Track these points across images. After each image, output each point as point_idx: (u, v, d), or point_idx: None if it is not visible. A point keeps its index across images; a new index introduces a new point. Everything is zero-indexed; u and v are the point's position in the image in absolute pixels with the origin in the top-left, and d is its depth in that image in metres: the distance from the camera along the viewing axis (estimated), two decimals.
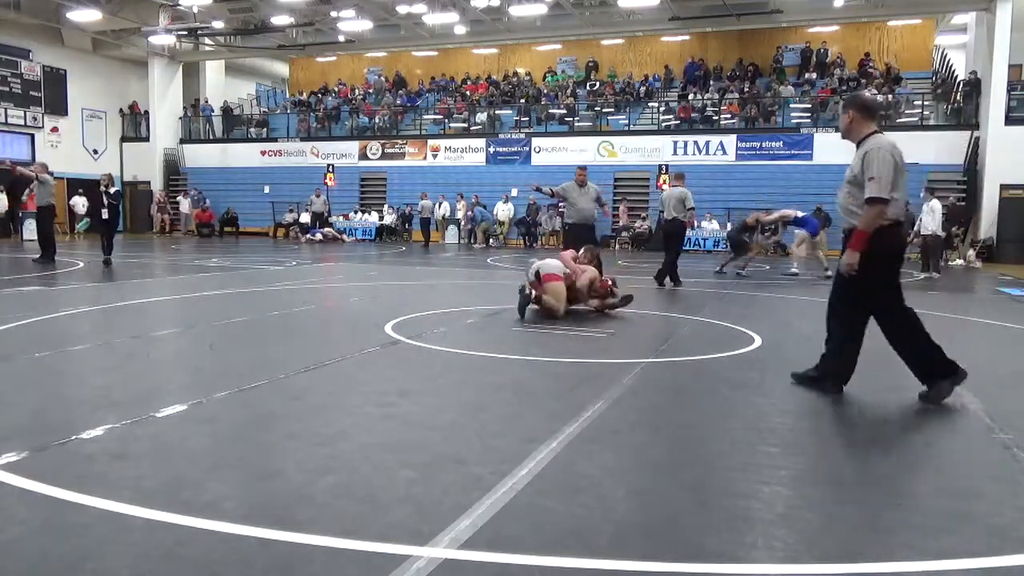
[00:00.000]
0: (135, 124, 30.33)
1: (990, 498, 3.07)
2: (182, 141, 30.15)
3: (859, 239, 4.44)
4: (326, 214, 25.19)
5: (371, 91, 30.89)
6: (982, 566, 2.41)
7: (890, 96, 23.06)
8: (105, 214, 14.10)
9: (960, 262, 18.15)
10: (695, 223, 14.44)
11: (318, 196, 24.94)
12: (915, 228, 14.07)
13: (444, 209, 24.65)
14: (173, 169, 29.91)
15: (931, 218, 13.84)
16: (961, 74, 23.39)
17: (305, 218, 25.86)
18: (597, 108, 26.17)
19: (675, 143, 23.92)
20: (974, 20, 23.37)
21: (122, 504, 2.72)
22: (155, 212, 29.34)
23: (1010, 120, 20.02)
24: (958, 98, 22.19)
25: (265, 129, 29.92)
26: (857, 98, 4.92)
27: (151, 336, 6.63)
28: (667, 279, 11.45)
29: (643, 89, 26.86)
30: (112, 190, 14.32)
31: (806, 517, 2.83)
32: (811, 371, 4.95)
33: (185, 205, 27.83)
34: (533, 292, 7.77)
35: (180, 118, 30.22)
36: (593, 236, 10.38)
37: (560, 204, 23.84)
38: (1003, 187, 19.75)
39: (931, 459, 3.66)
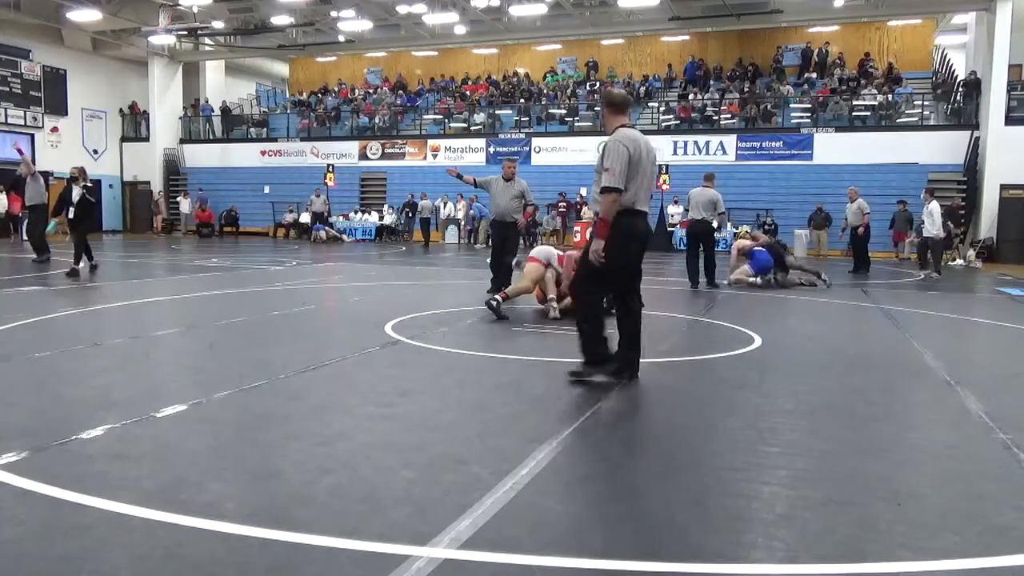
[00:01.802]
0: (135, 124, 30.33)
1: (990, 498, 3.07)
2: (182, 141, 30.16)
3: (602, 227, 4.71)
4: (326, 214, 25.20)
5: (371, 92, 30.87)
6: (982, 566, 2.41)
7: (890, 96, 23.07)
8: (71, 213, 11.64)
9: (960, 262, 18.15)
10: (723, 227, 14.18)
11: (318, 196, 24.96)
12: (914, 229, 14.09)
13: (449, 209, 24.65)
14: (173, 169, 29.92)
15: (931, 221, 13.78)
16: (961, 74, 23.40)
17: (305, 218, 25.87)
18: (597, 108, 26.15)
19: (675, 143, 23.93)
20: (974, 20, 23.38)
21: (122, 504, 2.72)
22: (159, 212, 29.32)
23: (1010, 120, 20.02)
24: (958, 98, 22.19)
25: (265, 129, 29.94)
26: (606, 95, 5.20)
27: (151, 336, 6.63)
28: (712, 276, 11.24)
29: (643, 89, 26.85)
30: (83, 185, 11.96)
31: (805, 517, 2.83)
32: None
33: (185, 205, 27.82)
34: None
35: (180, 118, 30.23)
36: (514, 234, 9.66)
37: (560, 204, 23.91)
38: (1003, 187, 19.75)
39: (930, 459, 3.66)
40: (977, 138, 20.67)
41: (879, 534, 2.69)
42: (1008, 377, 5.68)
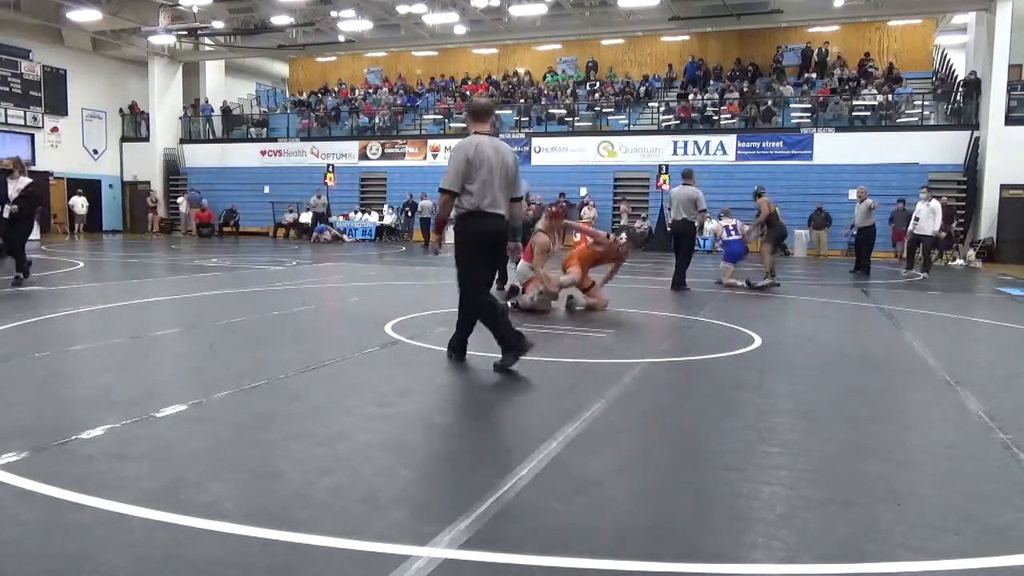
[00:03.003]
0: (135, 124, 30.34)
1: (990, 498, 3.07)
2: (182, 141, 30.16)
3: (436, 223, 5.53)
4: (327, 214, 25.19)
5: (372, 92, 30.86)
6: (982, 566, 2.41)
7: (890, 96, 23.07)
8: (6, 212, 9.78)
9: (960, 262, 18.15)
10: (705, 226, 13.76)
11: (319, 197, 24.95)
12: (908, 227, 13.98)
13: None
14: (173, 169, 29.92)
15: (931, 219, 13.66)
16: (961, 74, 23.39)
17: (305, 218, 25.85)
18: (597, 108, 26.17)
19: (675, 143, 23.92)
20: (974, 20, 23.37)
21: (122, 504, 2.72)
22: (172, 212, 29.21)
23: (1010, 120, 20.01)
24: (958, 98, 22.18)
25: (265, 129, 29.93)
26: (468, 104, 5.60)
27: (151, 336, 6.63)
28: (678, 283, 11.01)
29: (643, 89, 26.85)
30: (22, 181, 9.95)
31: (806, 517, 2.83)
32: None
33: (184, 205, 27.82)
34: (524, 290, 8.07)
35: (180, 118, 30.23)
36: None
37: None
38: (1003, 187, 19.75)
39: (930, 459, 3.66)
40: (977, 138, 20.66)
41: (879, 534, 2.69)
42: (1008, 377, 5.68)
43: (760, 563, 2.44)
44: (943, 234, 14.44)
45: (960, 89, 22.22)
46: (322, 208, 24.94)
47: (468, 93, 28.92)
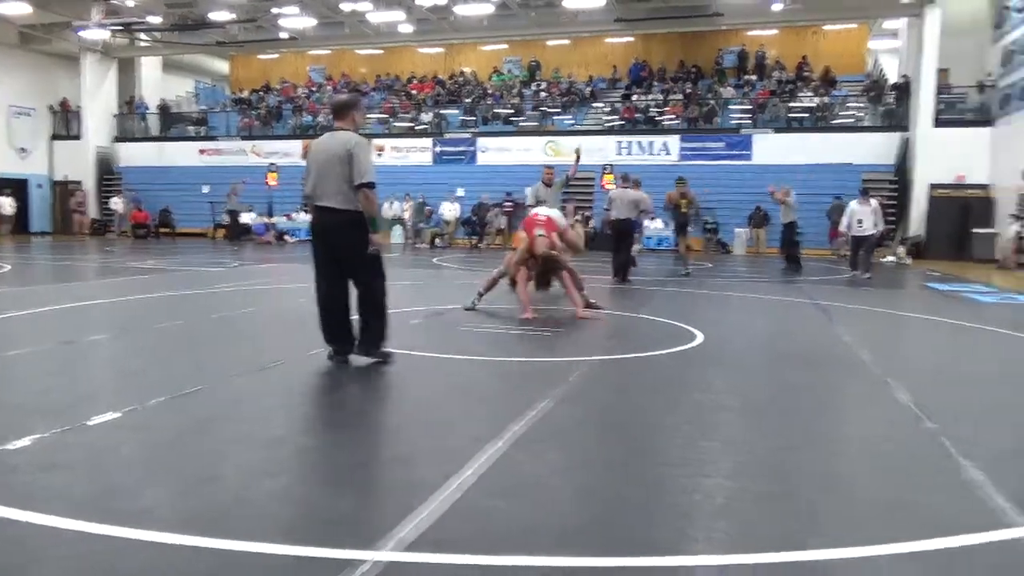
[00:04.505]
0: (66, 122, 29.24)
1: (920, 485, 3.19)
2: (116, 139, 29.20)
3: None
4: (245, 212, 24.47)
5: (315, 90, 30.39)
6: (912, 550, 2.50)
7: (825, 98, 23.76)
8: None
9: (892, 259, 18.80)
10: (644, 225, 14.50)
11: (236, 194, 24.15)
12: (846, 226, 14.01)
13: (395, 208, 24.38)
14: (107, 168, 28.93)
15: (872, 218, 13.67)
16: (893, 78, 24.25)
17: (246, 218, 25.21)
18: (543, 108, 26.29)
19: (619, 143, 24.18)
20: (905, 26, 24.26)
21: (51, 516, 2.61)
22: (106, 212, 28.16)
23: (939, 122, 20.82)
24: (890, 101, 22.99)
25: (204, 127, 29.18)
26: (331, 101, 5.63)
27: (83, 341, 6.40)
28: (623, 275, 11.88)
29: (588, 90, 27.10)
30: None
31: (746, 509, 2.89)
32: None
33: (119, 205, 26.93)
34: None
35: (114, 116, 29.26)
36: None
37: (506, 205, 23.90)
38: (932, 186, 20.53)
39: (864, 450, 3.78)
40: (908, 139, 21.45)
41: (815, 523, 2.77)
42: (936, 370, 5.91)
43: (701, 554, 2.49)
44: (884, 232, 14.72)
45: (891, 92, 23.03)
46: (237, 206, 24.23)
47: (414, 92, 28.75)
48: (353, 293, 5.28)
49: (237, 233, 24.74)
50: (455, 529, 2.59)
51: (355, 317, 5.29)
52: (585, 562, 2.39)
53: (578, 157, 11.48)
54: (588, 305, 8.10)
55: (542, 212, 8.20)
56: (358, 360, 5.32)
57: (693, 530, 2.70)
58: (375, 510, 2.79)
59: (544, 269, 8.01)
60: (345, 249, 5.15)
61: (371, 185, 5.11)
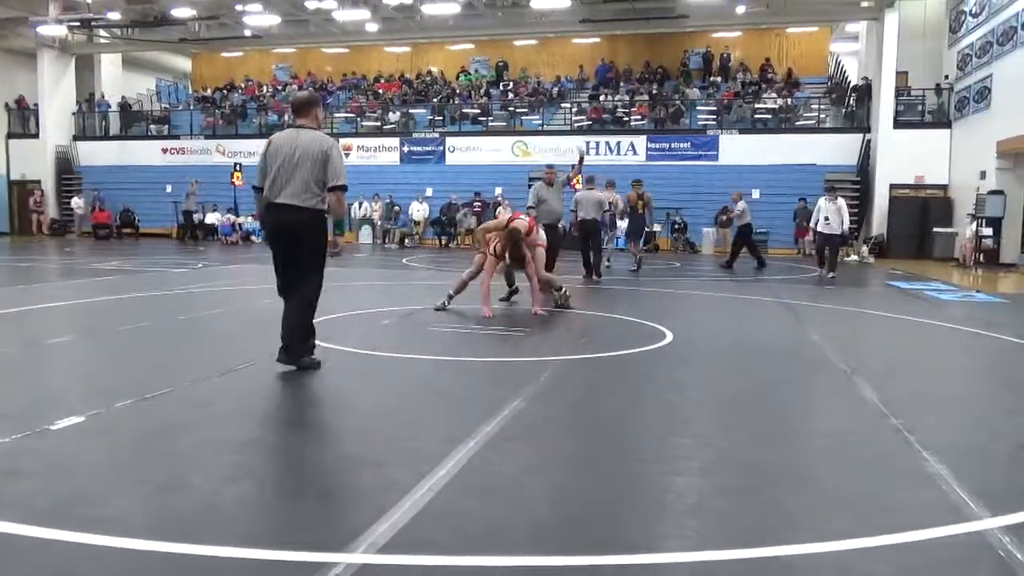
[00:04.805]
0: (23, 119, 28.52)
1: (885, 479, 3.25)
2: (76, 138, 28.55)
3: (260, 220, 5.34)
4: (198, 211, 24.10)
5: (280, 89, 30.03)
6: (880, 544, 2.55)
7: (789, 100, 24.13)
8: None
9: (855, 258, 19.16)
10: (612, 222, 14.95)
11: (193, 194, 23.77)
12: (814, 222, 14.02)
13: (365, 208, 24.21)
14: (66, 167, 28.28)
15: (838, 218, 13.70)
16: (854, 80, 24.71)
17: (211, 218, 24.86)
18: (511, 108, 26.30)
19: (587, 143, 24.24)
20: (865, 29, 24.73)
21: (12, 524, 2.55)
22: (66, 212, 27.47)
23: (898, 124, 21.27)
24: (851, 102, 23.42)
25: (166, 126, 28.66)
26: (292, 98, 5.72)
27: (45, 344, 6.25)
28: (595, 272, 12.25)
29: (555, 90, 27.17)
30: None
31: (717, 506, 2.93)
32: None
33: (79, 205, 26.34)
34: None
35: (73, 114, 28.62)
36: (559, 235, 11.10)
37: (475, 204, 23.88)
38: (892, 187, 20.97)
39: (831, 446, 3.85)
40: (869, 140, 21.87)
41: (783, 519, 2.81)
42: (899, 366, 6.04)
43: (673, 552, 2.51)
44: (851, 231, 14.84)
45: (852, 94, 23.47)
46: (195, 206, 23.84)
47: (381, 92, 28.56)
48: None
49: (190, 233, 24.17)
50: (428, 530, 2.58)
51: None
52: (559, 561, 2.40)
53: (581, 158, 12.15)
54: (560, 305, 8.32)
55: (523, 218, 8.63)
56: (329, 361, 5.27)
57: (666, 528, 2.72)
58: (347, 513, 2.77)
59: (511, 259, 8.13)
60: (303, 247, 5.08)
61: (345, 188, 5.11)
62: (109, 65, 29.95)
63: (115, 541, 2.44)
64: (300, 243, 5.06)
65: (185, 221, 23.94)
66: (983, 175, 18.07)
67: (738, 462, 3.47)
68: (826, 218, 13.61)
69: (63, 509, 2.70)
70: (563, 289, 8.50)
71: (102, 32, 27.39)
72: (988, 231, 17.03)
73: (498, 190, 24.19)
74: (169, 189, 26.66)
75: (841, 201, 13.99)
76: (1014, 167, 17.02)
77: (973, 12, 19.48)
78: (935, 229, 19.52)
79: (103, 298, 9.27)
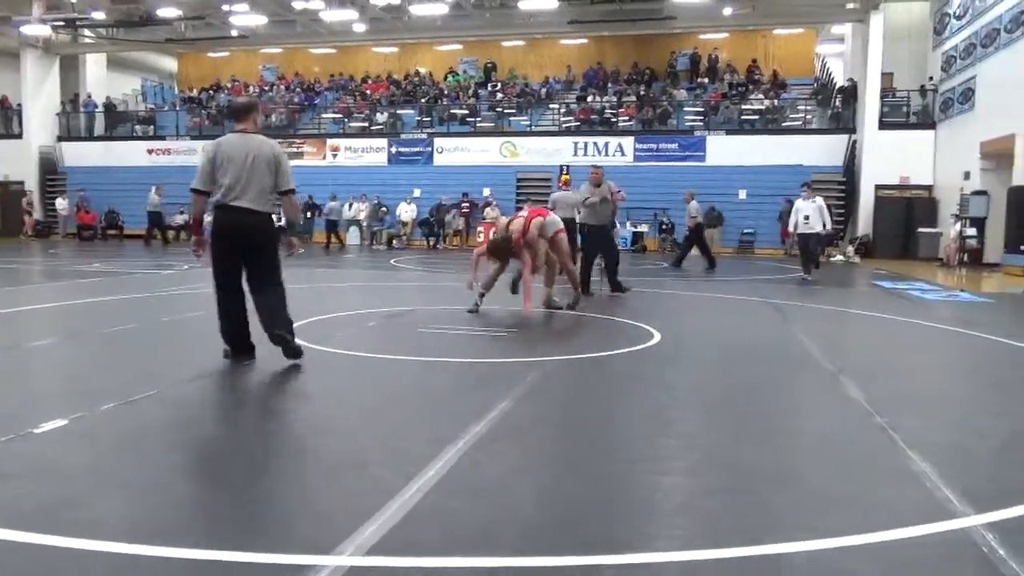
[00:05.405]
0: (6, 120, 28.27)
1: (871, 478, 3.27)
2: (60, 139, 28.32)
3: (193, 225, 5.54)
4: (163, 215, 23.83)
5: (267, 89, 29.92)
6: (865, 542, 2.56)
7: (775, 101, 24.27)
8: None
9: (840, 258, 19.29)
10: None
11: (159, 195, 23.46)
12: (792, 226, 13.84)
13: (355, 210, 24.08)
14: (50, 168, 28.04)
15: (818, 216, 13.56)
16: (839, 81, 24.89)
17: (182, 220, 24.46)
18: (499, 109, 26.31)
19: (575, 144, 24.32)
20: (851, 31, 24.90)
21: None
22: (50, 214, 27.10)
23: (883, 125, 21.45)
24: (837, 104, 23.58)
25: (152, 127, 28.48)
26: (230, 104, 5.72)
27: (29, 347, 6.20)
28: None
29: (544, 91, 27.21)
30: None
31: (704, 505, 2.94)
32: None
33: (63, 206, 26.08)
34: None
35: (58, 114, 28.38)
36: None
37: (463, 206, 23.86)
38: (878, 187, 21.14)
39: (817, 445, 3.87)
40: (854, 141, 22.03)
41: (772, 518, 2.82)
42: (884, 365, 6.08)
43: (661, 551, 2.51)
44: (833, 230, 14.75)
45: (838, 95, 23.63)
46: (159, 207, 23.49)
47: (368, 92, 28.50)
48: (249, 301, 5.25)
49: (160, 234, 23.74)
50: (416, 532, 2.58)
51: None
52: (547, 562, 2.40)
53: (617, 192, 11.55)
54: (550, 305, 8.34)
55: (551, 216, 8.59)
56: (315, 362, 5.24)
57: (653, 527, 2.73)
58: (335, 514, 2.76)
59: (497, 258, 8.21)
60: (261, 250, 5.19)
61: (295, 191, 5.32)
62: (94, 65, 29.73)
63: (100, 544, 2.42)
64: (255, 244, 5.18)
65: (150, 222, 23.51)
66: (967, 176, 18.24)
67: (725, 461, 3.49)
68: (806, 217, 13.20)
69: (48, 513, 2.67)
70: (573, 305, 8.49)
71: (87, 32, 27.19)
72: (972, 231, 17.20)
73: (486, 191, 24.20)
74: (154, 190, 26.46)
75: (820, 199, 13.64)
76: (997, 168, 17.19)
77: (957, 14, 19.67)
78: (920, 229, 19.68)
79: (87, 300, 9.19)
